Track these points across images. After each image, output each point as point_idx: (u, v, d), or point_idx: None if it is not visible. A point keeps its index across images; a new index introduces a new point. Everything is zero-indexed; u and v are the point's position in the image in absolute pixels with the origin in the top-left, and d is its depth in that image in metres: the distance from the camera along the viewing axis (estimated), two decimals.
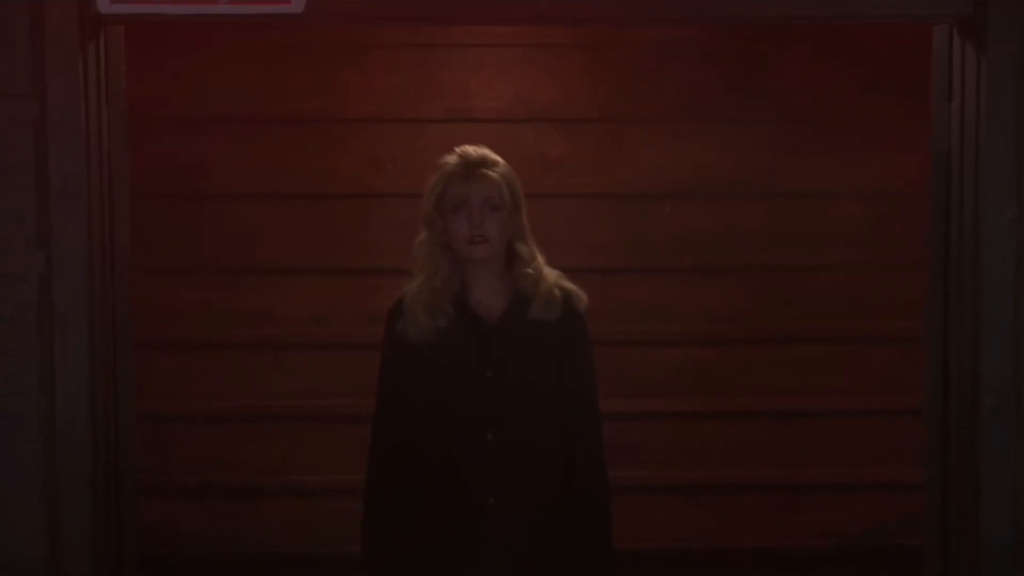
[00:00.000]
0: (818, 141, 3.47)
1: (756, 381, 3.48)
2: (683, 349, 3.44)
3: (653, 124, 3.44)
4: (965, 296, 2.46)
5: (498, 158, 2.21)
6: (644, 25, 3.26)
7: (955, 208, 2.49)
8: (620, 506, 2.23)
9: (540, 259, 2.23)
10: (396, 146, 3.39)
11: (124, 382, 2.59)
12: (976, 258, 2.40)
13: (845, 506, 3.46)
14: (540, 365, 2.20)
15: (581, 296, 2.24)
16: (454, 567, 2.17)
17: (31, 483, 2.31)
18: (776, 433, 3.49)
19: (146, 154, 3.23)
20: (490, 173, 2.19)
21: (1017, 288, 2.38)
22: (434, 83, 3.39)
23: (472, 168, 2.18)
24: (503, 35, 3.37)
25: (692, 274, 3.47)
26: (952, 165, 2.49)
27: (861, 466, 3.48)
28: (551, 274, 2.24)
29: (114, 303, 2.54)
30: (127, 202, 2.57)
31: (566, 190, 3.41)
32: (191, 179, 3.35)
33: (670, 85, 3.44)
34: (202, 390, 3.37)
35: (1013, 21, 2.34)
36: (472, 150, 2.22)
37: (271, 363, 3.39)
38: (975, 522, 2.45)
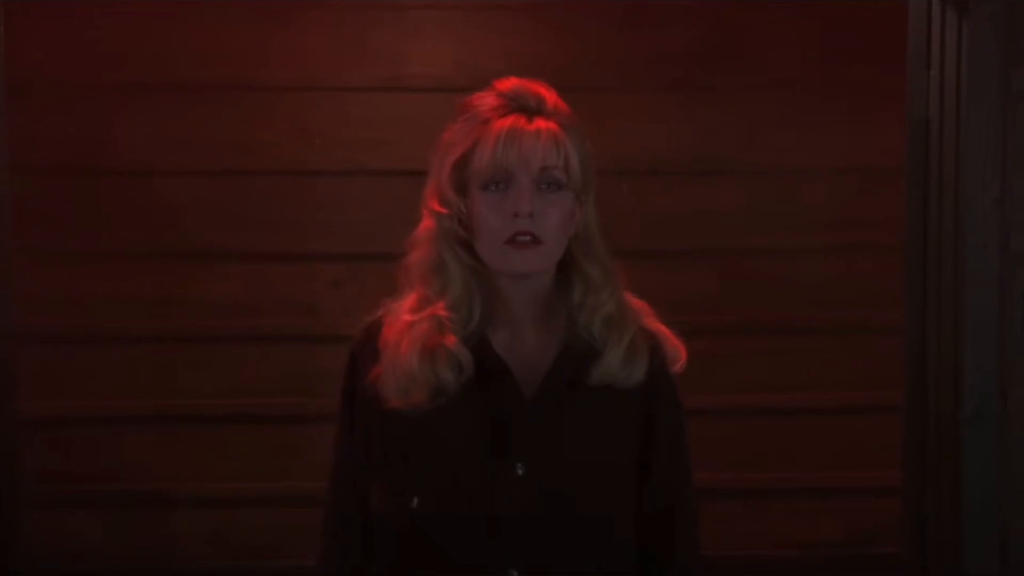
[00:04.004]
0: (795, 114, 3.37)
1: (725, 376, 3.38)
2: None
3: (610, 95, 3.32)
4: (944, 285, 2.38)
5: (560, 100, 1.48)
6: None
7: (934, 187, 2.41)
8: None
9: (618, 282, 1.53)
10: (324, 117, 3.27)
11: (2, 380, 2.48)
12: (956, 243, 2.31)
13: (821, 511, 3.37)
14: (609, 461, 1.46)
15: (677, 347, 1.55)
16: None
17: None
18: (747, 433, 3.40)
19: (41, 125, 3.11)
20: (552, 126, 1.45)
21: (1002, 278, 2.29)
22: (366, 47, 3.27)
23: (521, 116, 1.44)
24: None
25: (653, 258, 3.36)
26: (930, 140, 2.40)
27: (840, 468, 3.39)
28: (634, 309, 1.54)
29: None
30: (6, 179, 2.45)
31: None
32: (93, 153, 3.20)
33: (630, 52, 3.32)
34: (107, 388, 3.23)
35: None
36: (521, 86, 1.48)
37: (186, 358, 3.28)
38: (956, 534, 2.37)
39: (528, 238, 1.43)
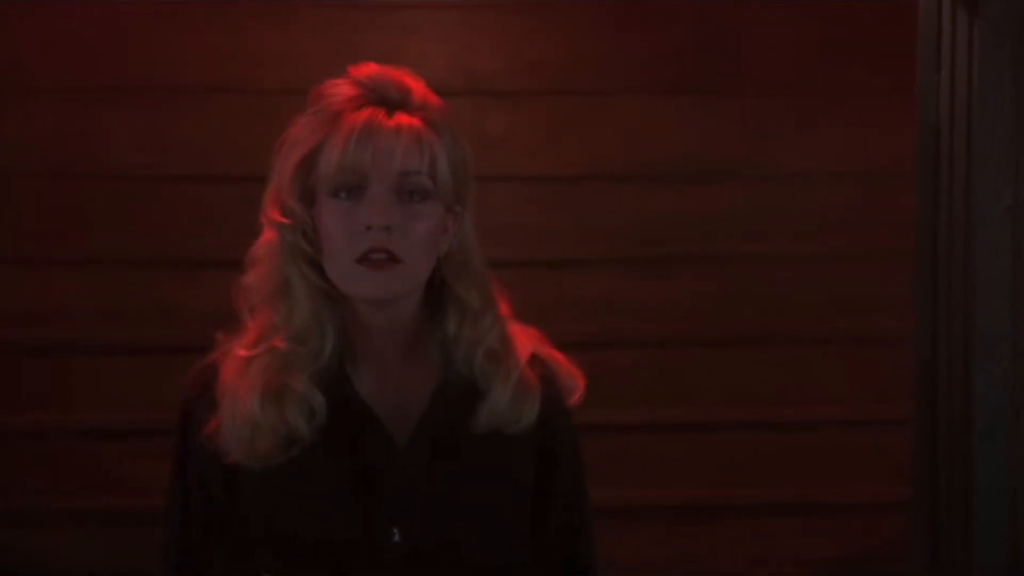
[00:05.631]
0: (796, 116, 3.34)
1: (725, 387, 3.35)
2: (640, 351, 3.30)
3: (608, 97, 3.29)
4: (955, 295, 2.33)
5: (430, 93, 1.31)
6: None
7: (944, 194, 2.36)
8: None
9: (500, 308, 1.33)
10: None
11: None
12: (967, 251, 2.27)
13: (823, 529, 3.33)
14: (500, 513, 1.28)
15: (574, 376, 1.37)
16: None
17: None
18: (747, 447, 3.36)
19: (20, 127, 3.08)
20: (415, 122, 1.25)
21: (1015, 288, 2.25)
22: (359, 49, 3.19)
23: (380, 110, 1.25)
24: None
25: (651, 265, 3.33)
26: (941, 145, 2.36)
27: (843, 484, 3.35)
28: (521, 338, 1.34)
29: None
30: None
31: (509, 171, 3.25)
32: (75, 156, 3.16)
33: (628, 53, 3.29)
34: (90, 400, 3.18)
35: None
36: (382, 74, 1.29)
37: (172, 368, 3.18)
38: (967, 553, 2.32)
39: (383, 256, 1.23)
